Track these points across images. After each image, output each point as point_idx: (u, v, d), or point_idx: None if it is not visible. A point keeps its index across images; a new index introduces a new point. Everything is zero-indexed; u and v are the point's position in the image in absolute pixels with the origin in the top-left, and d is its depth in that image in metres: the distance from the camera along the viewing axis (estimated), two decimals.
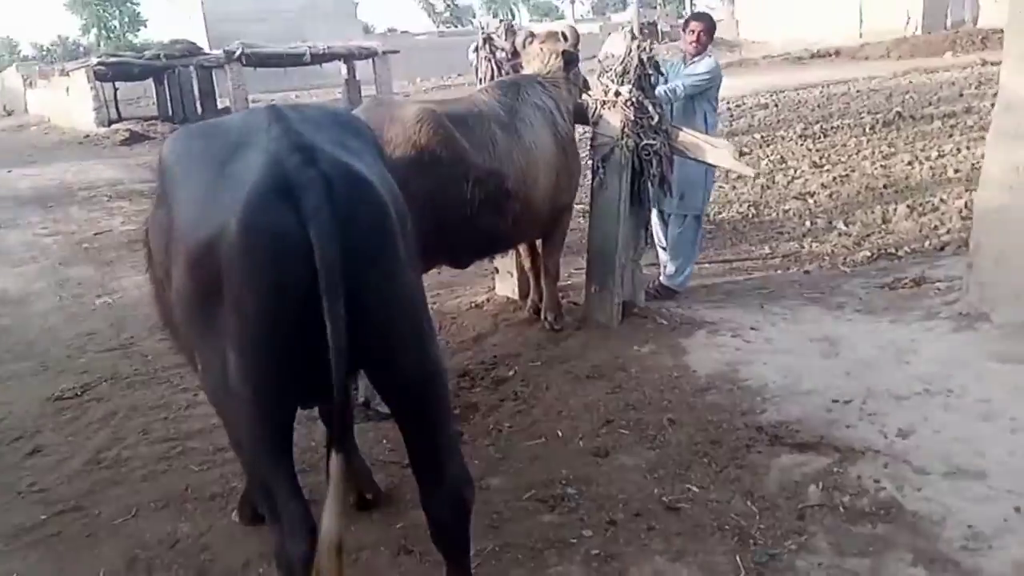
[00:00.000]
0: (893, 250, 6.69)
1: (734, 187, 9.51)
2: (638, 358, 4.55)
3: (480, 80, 5.43)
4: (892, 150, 10.36)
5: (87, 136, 22.01)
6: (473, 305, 5.70)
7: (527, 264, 5.37)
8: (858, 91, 16.30)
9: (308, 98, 33.25)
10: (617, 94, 4.67)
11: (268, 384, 1.95)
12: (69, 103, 25.56)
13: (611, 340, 4.82)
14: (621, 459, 3.52)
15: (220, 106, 26.96)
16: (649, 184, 4.89)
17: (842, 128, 12.06)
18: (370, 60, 27.21)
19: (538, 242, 5.14)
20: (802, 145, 11.31)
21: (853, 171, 9.52)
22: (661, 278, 5.76)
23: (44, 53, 63.17)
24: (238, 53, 24.01)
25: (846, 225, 7.62)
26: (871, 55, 26.02)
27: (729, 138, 12.14)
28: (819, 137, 11.67)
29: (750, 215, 8.51)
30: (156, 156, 2.40)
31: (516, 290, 5.67)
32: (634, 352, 4.63)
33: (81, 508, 3.42)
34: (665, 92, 5.22)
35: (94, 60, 24.13)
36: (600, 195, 4.98)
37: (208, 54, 25.94)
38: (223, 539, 3.15)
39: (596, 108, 4.84)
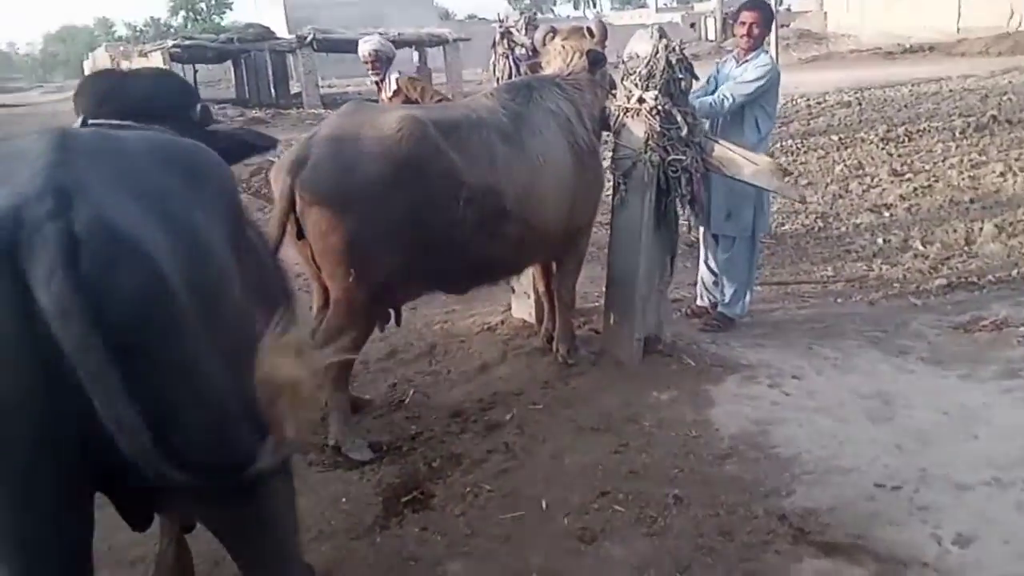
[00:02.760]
0: (975, 279, 5.85)
1: (803, 193, 8.68)
2: (654, 407, 3.93)
3: (497, 80, 4.87)
4: (983, 159, 9.31)
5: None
6: (485, 327, 5.15)
7: (540, 288, 4.80)
8: (950, 90, 14.96)
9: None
10: (641, 101, 4.03)
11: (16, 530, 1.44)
12: None
13: (627, 382, 4.21)
14: (608, 548, 2.92)
15: (293, 91, 27.06)
16: (678, 204, 4.24)
17: (929, 131, 10.98)
18: (441, 47, 26.90)
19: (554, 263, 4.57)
20: (883, 149, 10.34)
21: (937, 181, 8.57)
22: (719, 307, 5.10)
23: (137, 34, 65.08)
24: (309, 38, 24.02)
25: (923, 245, 6.78)
26: (968, 51, 24.25)
27: (805, 139, 11.35)
28: (903, 141, 10.66)
29: (816, 228, 7.73)
30: None
31: (532, 313, 5.09)
32: (651, 399, 4.01)
33: None
34: (711, 104, 4.56)
35: (170, 43, 24.47)
36: (620, 215, 4.36)
37: (280, 39, 26.03)
38: None
39: (618, 116, 4.22)
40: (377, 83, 6.00)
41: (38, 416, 1.34)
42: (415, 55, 28.38)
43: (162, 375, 1.41)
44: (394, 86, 5.91)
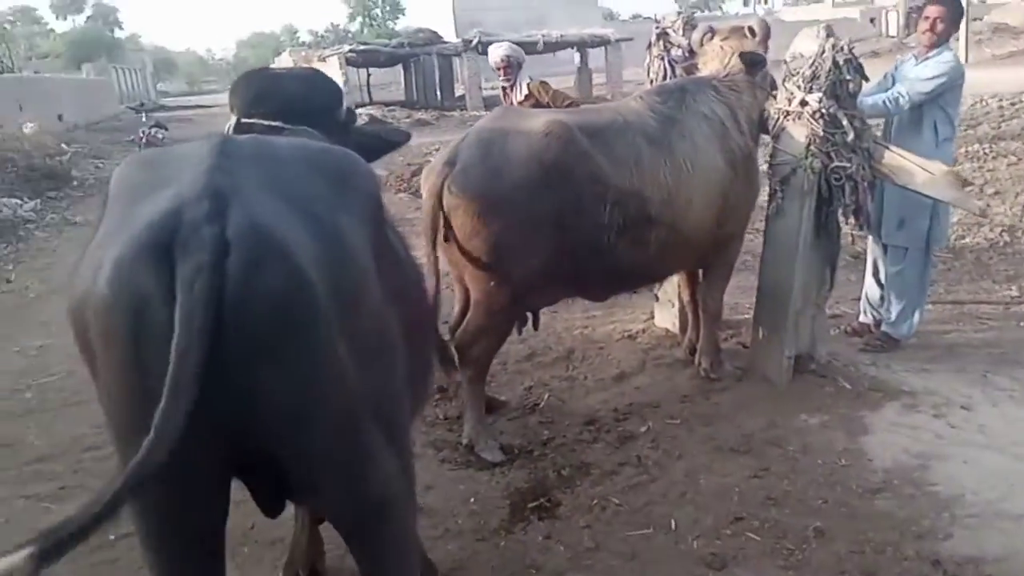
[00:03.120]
0: None
1: (988, 204, 7.95)
2: (801, 431, 3.70)
3: (651, 82, 4.74)
4: None
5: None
6: (626, 335, 5.04)
7: (685, 296, 4.64)
8: None
9: None
10: (803, 103, 3.80)
11: (147, 503, 1.52)
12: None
13: (773, 402, 3.99)
14: None
15: (457, 93, 27.83)
16: (840, 215, 3.96)
17: None
18: (603, 48, 26.80)
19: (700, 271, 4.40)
20: None
21: None
22: (883, 325, 4.74)
23: (318, 39, 69.16)
24: (475, 42, 24.59)
25: None
26: None
27: (994, 144, 10.36)
28: None
29: (1001, 243, 7.05)
30: None
31: (676, 323, 4.93)
32: (799, 422, 3.78)
33: None
34: (884, 103, 4.23)
35: (346, 48, 25.78)
36: (776, 224, 4.13)
37: (447, 43, 26.81)
38: None
39: (778, 119, 3.99)
40: (505, 88, 6.03)
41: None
42: (576, 56, 28.44)
43: (295, 378, 1.44)
44: (524, 90, 5.92)
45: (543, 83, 5.90)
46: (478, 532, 3.10)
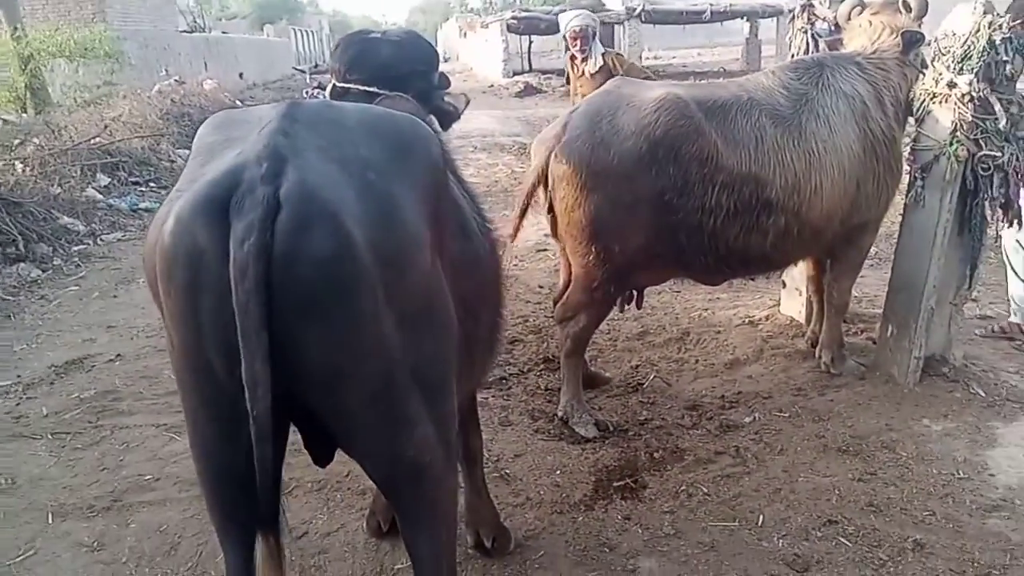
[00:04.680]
0: None
1: None
2: (920, 437, 3.45)
3: (792, 56, 4.48)
4: None
5: (491, 86, 23.87)
6: (747, 321, 4.86)
7: (811, 286, 4.40)
8: None
9: (709, 57, 32.50)
10: (951, 85, 3.48)
11: (201, 438, 1.63)
12: (486, 54, 27.99)
13: (894, 403, 3.74)
14: None
15: None
16: (986, 208, 3.62)
17: None
18: (775, 19, 25.52)
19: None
20: None
21: None
22: None
23: (487, 5, 69.94)
24: (638, 10, 24.12)
25: None
26: None
27: None
28: None
29: None
30: None
31: (802, 312, 4.70)
32: (918, 427, 3.53)
33: None
34: None
35: (508, 15, 25.96)
36: (914, 214, 3.83)
37: (610, 10, 26.37)
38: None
39: (923, 101, 3.68)
40: (573, 58, 5.84)
41: (232, 353, 1.44)
42: (746, 26, 27.27)
43: (335, 336, 1.50)
44: (599, 62, 5.71)
45: (619, 55, 5.76)
46: (558, 504, 3.12)
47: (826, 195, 3.61)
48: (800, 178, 3.53)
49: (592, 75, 5.74)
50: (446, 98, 2.47)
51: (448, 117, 2.46)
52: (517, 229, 3.60)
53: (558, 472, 3.35)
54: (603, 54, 5.75)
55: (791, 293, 4.83)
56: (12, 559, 2.96)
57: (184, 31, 23.32)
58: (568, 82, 6.47)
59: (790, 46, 4.60)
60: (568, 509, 3.09)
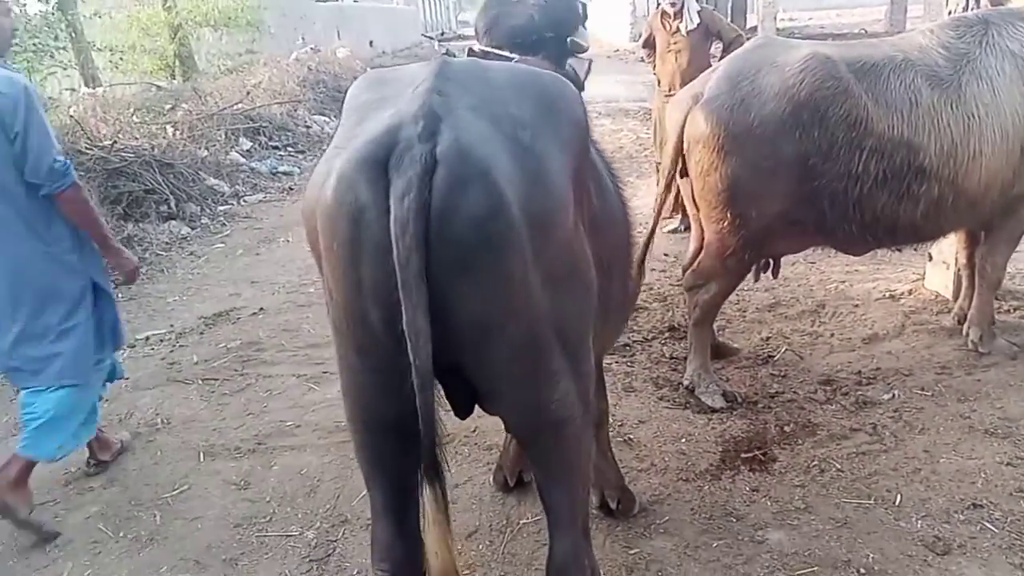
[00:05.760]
0: None
1: None
2: None
3: (949, 12, 4.19)
4: None
5: (616, 50, 23.45)
6: (888, 295, 4.63)
7: (961, 259, 4.14)
8: None
9: (849, 18, 30.72)
10: None
11: (355, 387, 1.70)
12: (611, 17, 27.51)
13: None
14: (961, 567, 2.51)
15: (749, 24, 26.35)
16: None
17: None
18: None
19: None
20: None
21: None
22: None
23: None
24: None
25: None
26: None
27: None
28: None
29: None
30: None
31: (949, 287, 4.43)
32: None
33: None
34: None
35: None
36: None
37: None
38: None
39: None
40: (665, 15, 5.59)
41: (383, 293, 1.50)
42: None
43: (486, 291, 1.54)
44: (696, 19, 5.45)
45: (714, 13, 5.50)
46: (683, 472, 3.10)
47: (986, 163, 3.37)
48: (958, 144, 3.31)
49: (689, 33, 5.55)
50: (570, 62, 2.44)
51: (572, 83, 2.45)
52: (664, 199, 3.55)
53: (683, 440, 3.33)
54: (699, 11, 5.53)
55: (937, 266, 4.56)
56: (169, 492, 3.23)
57: (319, 0, 24.07)
58: (645, 45, 6.10)
59: (947, 3, 4.29)
60: (694, 477, 3.07)
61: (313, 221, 1.64)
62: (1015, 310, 4.29)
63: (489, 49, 2.32)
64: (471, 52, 2.38)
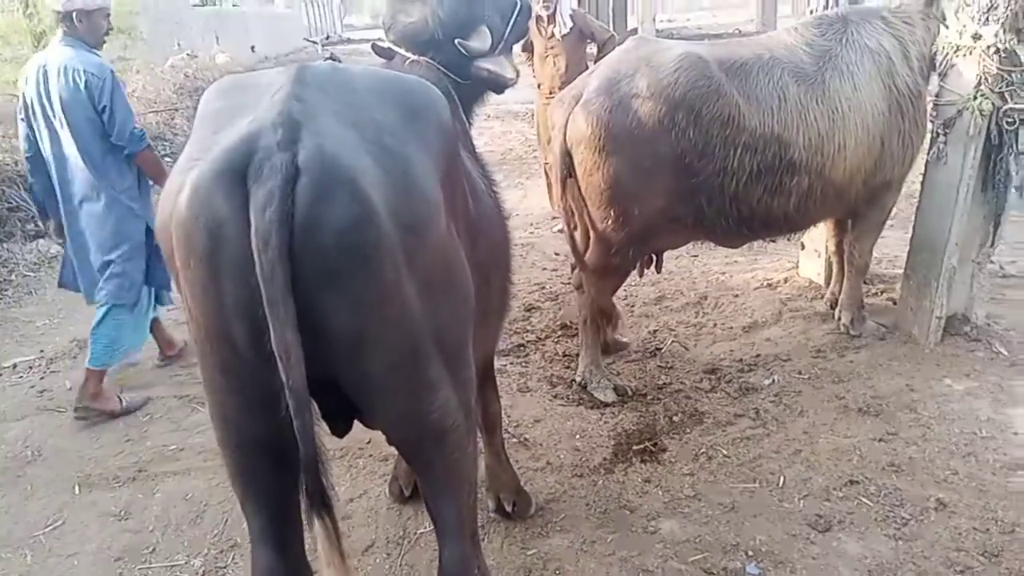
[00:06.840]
0: None
1: None
2: (941, 397, 3.43)
3: (810, 12, 4.39)
4: None
5: None
6: (765, 284, 4.83)
7: (831, 246, 4.36)
8: None
9: (724, 19, 31.94)
10: (976, 37, 3.40)
11: (222, 409, 1.63)
12: None
13: (915, 363, 3.72)
14: (842, 542, 2.64)
15: (630, 26, 26.96)
16: (1011, 163, 3.55)
17: None
18: None
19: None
20: None
21: None
22: None
23: None
24: None
25: None
26: None
27: None
28: None
29: None
30: None
31: (821, 274, 4.66)
32: (940, 387, 3.50)
33: None
34: None
35: None
36: (935, 171, 3.78)
37: None
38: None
39: (946, 55, 3.59)
40: (539, 19, 5.41)
41: (255, 322, 1.43)
42: None
43: (358, 303, 1.48)
44: (568, 23, 5.41)
45: (586, 15, 5.56)
46: (578, 468, 3.13)
47: (850, 155, 3.55)
48: (824, 137, 3.47)
49: (562, 37, 5.49)
50: (486, 64, 2.40)
51: (488, 84, 2.42)
52: (560, 196, 3.56)
53: (578, 437, 3.36)
54: (571, 15, 5.48)
55: (810, 255, 4.79)
56: (41, 529, 3.02)
57: (196, 4, 23.17)
58: (525, 49, 5.89)
59: (808, 2, 4.50)
60: (588, 473, 3.11)
61: (168, 236, 1.54)
62: (882, 293, 4.54)
63: (391, 47, 2.29)
64: (375, 47, 2.33)
